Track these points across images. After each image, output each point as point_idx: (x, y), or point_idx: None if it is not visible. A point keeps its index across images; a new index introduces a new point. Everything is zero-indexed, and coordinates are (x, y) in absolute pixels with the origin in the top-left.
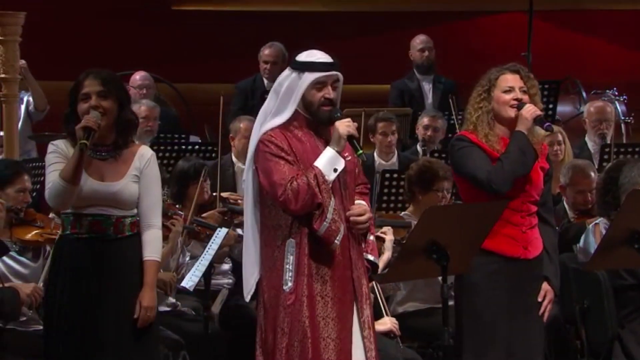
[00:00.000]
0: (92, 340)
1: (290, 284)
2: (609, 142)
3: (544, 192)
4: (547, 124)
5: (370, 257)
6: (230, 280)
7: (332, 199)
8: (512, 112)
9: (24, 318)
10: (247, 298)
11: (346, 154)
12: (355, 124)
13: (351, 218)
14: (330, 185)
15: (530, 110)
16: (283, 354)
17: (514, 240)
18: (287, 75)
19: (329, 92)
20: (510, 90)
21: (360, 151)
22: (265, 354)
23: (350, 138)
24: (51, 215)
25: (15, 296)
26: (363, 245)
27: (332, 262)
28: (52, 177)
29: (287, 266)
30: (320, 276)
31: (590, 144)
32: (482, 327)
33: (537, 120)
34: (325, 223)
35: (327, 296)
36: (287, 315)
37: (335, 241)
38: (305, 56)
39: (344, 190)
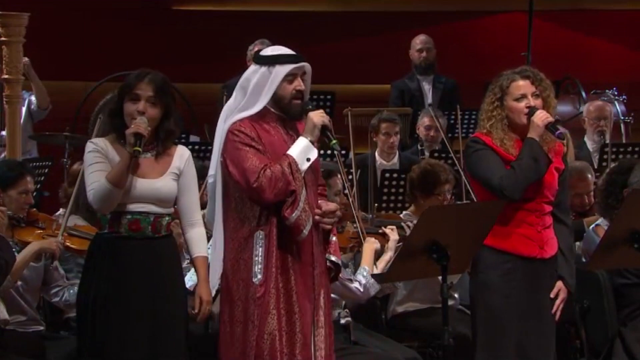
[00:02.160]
0: (127, 338)
1: (259, 276)
2: (607, 140)
3: (558, 192)
4: (559, 132)
5: (333, 258)
6: None
7: (304, 188)
8: (525, 120)
9: (24, 318)
10: (212, 293)
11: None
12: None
13: (324, 208)
14: (303, 176)
15: (542, 117)
16: (253, 346)
17: (530, 240)
18: (254, 71)
19: (300, 84)
20: (522, 97)
21: (334, 141)
22: (232, 347)
23: (323, 129)
24: (59, 212)
25: (6, 244)
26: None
27: (297, 256)
28: (95, 178)
29: (257, 258)
30: (285, 269)
31: (589, 144)
32: (495, 325)
33: (549, 127)
34: (296, 212)
35: (291, 290)
36: (257, 307)
37: (304, 231)
38: (270, 50)
39: (312, 186)
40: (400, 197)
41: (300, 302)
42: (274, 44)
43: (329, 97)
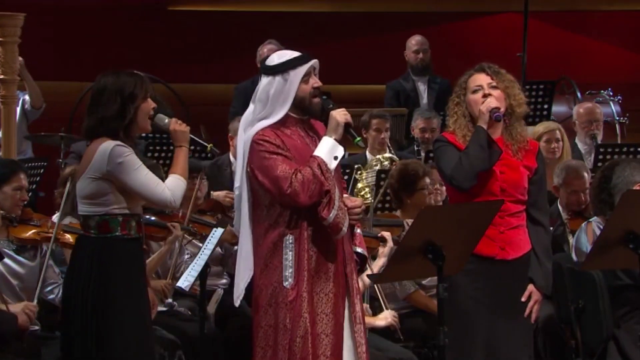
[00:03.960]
0: (143, 339)
1: (290, 280)
2: (599, 142)
3: (533, 192)
4: (496, 114)
5: (359, 250)
6: (226, 281)
7: (336, 187)
8: None
9: None
10: (237, 303)
11: None
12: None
13: (349, 204)
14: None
15: (486, 104)
16: (286, 350)
17: (491, 240)
18: (269, 82)
19: (316, 82)
20: (478, 89)
21: (358, 138)
22: (264, 351)
23: (347, 126)
24: (54, 217)
25: (12, 321)
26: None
27: (330, 257)
28: (155, 178)
29: (287, 263)
30: (317, 271)
31: (580, 145)
32: (461, 325)
33: (492, 112)
34: (334, 211)
35: (322, 292)
36: (288, 311)
37: (343, 229)
38: (277, 58)
39: (339, 184)
40: None
41: (333, 303)
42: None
43: (324, 97)
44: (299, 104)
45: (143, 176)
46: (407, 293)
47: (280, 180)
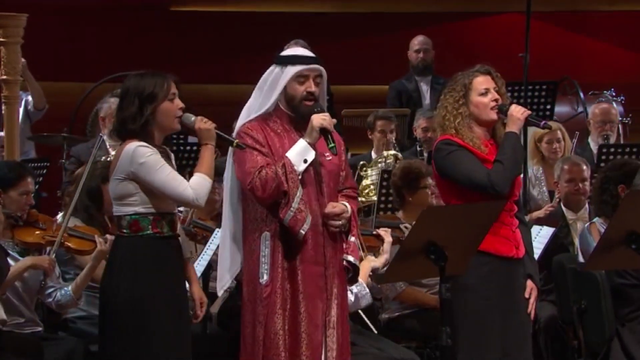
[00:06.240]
0: (183, 335)
1: (265, 276)
2: (611, 143)
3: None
4: (544, 122)
5: (350, 258)
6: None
7: (300, 188)
8: (493, 114)
9: (21, 320)
10: (220, 292)
11: (327, 154)
12: (334, 120)
13: (326, 211)
14: (300, 176)
15: (521, 110)
16: (261, 346)
17: (507, 240)
18: (270, 71)
19: (310, 86)
20: (486, 92)
21: (332, 145)
22: (245, 346)
23: (323, 131)
24: (58, 216)
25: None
26: (344, 246)
27: (306, 257)
28: (179, 177)
29: (263, 259)
30: (292, 270)
31: (592, 145)
32: (476, 327)
33: (530, 119)
34: (290, 212)
35: (297, 290)
36: (264, 307)
37: (301, 231)
38: (288, 51)
39: (319, 186)
40: None
41: (307, 302)
42: (272, 44)
43: (327, 97)
44: (289, 101)
45: (165, 175)
46: (398, 292)
47: (246, 175)
